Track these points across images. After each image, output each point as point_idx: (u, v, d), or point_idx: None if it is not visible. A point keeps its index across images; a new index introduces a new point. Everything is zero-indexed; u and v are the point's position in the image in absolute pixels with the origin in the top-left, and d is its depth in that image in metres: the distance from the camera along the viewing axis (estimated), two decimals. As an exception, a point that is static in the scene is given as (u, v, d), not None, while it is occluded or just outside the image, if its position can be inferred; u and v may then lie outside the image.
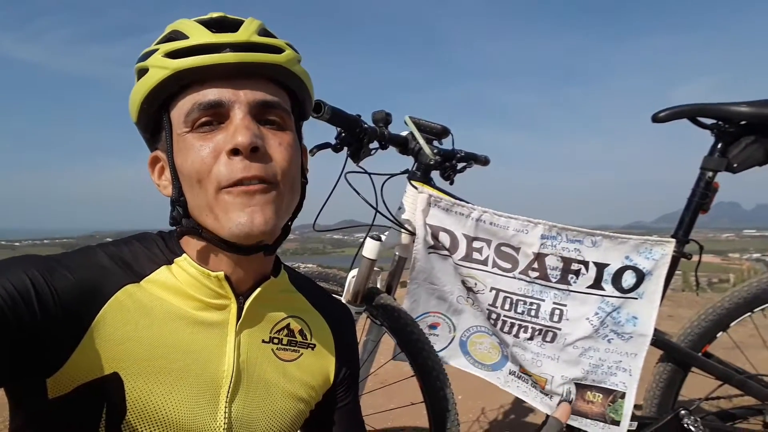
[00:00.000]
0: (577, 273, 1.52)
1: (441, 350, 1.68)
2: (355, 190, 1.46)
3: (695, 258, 1.57)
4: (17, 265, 0.67)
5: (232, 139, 0.69)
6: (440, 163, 1.73)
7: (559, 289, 1.53)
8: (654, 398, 1.57)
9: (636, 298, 1.49)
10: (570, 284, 1.53)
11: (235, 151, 0.69)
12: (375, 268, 1.66)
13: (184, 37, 0.72)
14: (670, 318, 4.60)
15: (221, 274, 0.76)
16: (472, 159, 1.83)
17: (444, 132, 1.61)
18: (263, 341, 0.83)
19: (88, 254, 0.74)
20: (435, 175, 1.76)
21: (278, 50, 0.74)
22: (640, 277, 1.49)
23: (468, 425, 2.72)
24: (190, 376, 0.74)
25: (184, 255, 0.78)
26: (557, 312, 1.54)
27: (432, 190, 1.57)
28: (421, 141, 1.56)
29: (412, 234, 1.58)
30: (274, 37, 0.78)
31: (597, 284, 1.51)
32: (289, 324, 0.86)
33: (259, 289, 0.80)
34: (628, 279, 1.49)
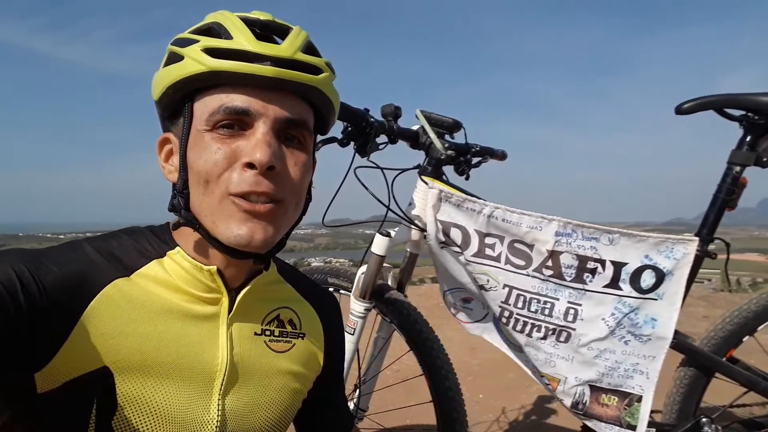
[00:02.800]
0: (593, 272, 1.46)
1: (476, 321, 1.68)
2: (363, 185, 1.45)
3: (723, 256, 1.49)
4: (3, 260, 0.66)
5: (251, 154, 0.69)
6: (454, 158, 1.70)
7: (574, 288, 1.48)
8: (674, 404, 1.50)
9: (655, 299, 1.43)
10: (585, 283, 1.47)
11: (250, 165, 0.69)
12: (386, 265, 1.64)
13: (228, 35, 0.71)
14: (705, 319, 4.43)
15: (214, 268, 0.76)
16: (487, 153, 1.78)
17: (456, 126, 1.57)
18: (255, 333, 0.82)
19: (75, 248, 0.74)
20: (449, 170, 1.73)
21: (317, 71, 0.73)
22: (660, 277, 1.42)
23: (488, 425, 2.68)
24: (182, 369, 0.74)
25: (178, 248, 0.77)
26: (572, 311, 1.49)
27: (442, 185, 1.54)
28: (432, 135, 1.53)
29: (422, 230, 1.55)
30: (317, 53, 0.77)
31: (614, 284, 1.45)
32: (279, 315, 0.87)
33: (250, 285, 0.80)
34: (647, 279, 1.43)
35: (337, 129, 1.40)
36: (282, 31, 0.74)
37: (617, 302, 1.45)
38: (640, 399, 1.46)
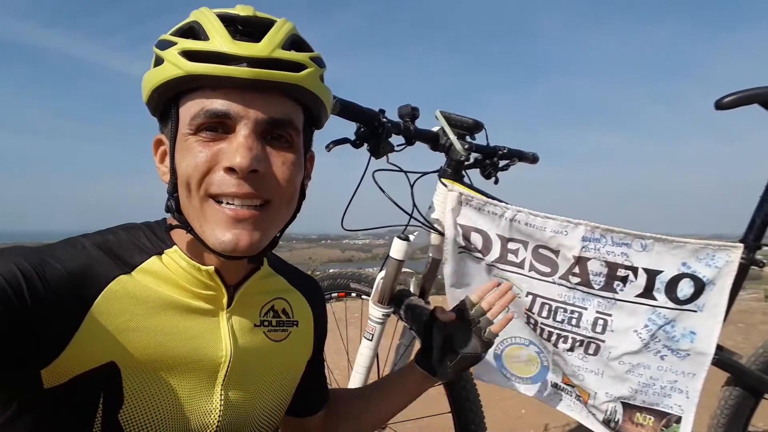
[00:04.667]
0: (624, 280, 1.36)
1: None
2: (380, 188, 1.42)
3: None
4: (7, 257, 0.67)
5: (232, 158, 0.68)
6: (480, 160, 1.65)
7: (603, 297, 1.38)
8: (719, 427, 1.37)
9: (694, 311, 1.31)
10: (616, 292, 1.37)
11: (231, 170, 0.69)
12: (409, 270, 1.60)
13: (205, 35, 0.70)
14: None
15: (212, 268, 0.77)
16: (516, 156, 1.72)
17: (476, 126, 1.52)
18: (255, 325, 0.85)
19: (75, 245, 0.75)
20: (476, 174, 1.67)
21: (299, 67, 0.71)
22: (700, 286, 1.30)
23: (529, 442, 2.57)
24: (187, 362, 0.75)
25: (175, 247, 0.78)
26: (600, 322, 1.39)
27: (463, 188, 1.49)
28: (452, 136, 1.48)
29: (442, 234, 1.51)
30: (302, 46, 0.75)
31: (647, 293, 1.34)
32: (273, 305, 0.89)
33: (248, 282, 0.82)
34: (685, 288, 1.31)
35: (350, 129, 1.39)
36: (264, 26, 0.72)
37: (651, 313, 1.34)
38: (679, 420, 1.34)
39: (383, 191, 1.43)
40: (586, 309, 1.41)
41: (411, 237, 1.51)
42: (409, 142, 1.44)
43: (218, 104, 0.69)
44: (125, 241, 0.78)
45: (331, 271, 1.77)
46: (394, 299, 1.53)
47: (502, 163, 1.70)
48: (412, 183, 1.50)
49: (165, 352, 0.73)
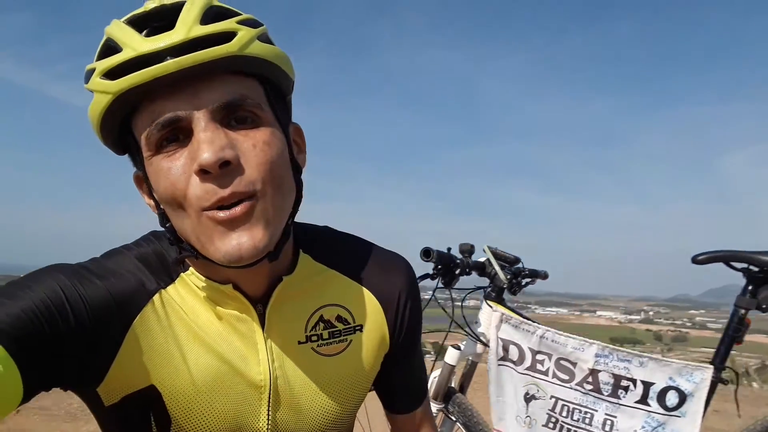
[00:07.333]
0: (626, 389, 1.78)
1: None
2: (443, 309, 1.81)
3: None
4: (49, 275, 0.65)
5: (197, 158, 0.60)
6: (508, 279, 2.07)
7: (610, 401, 1.80)
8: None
9: (679, 417, 1.74)
10: (620, 398, 1.79)
11: (204, 171, 0.60)
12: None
13: (118, 48, 0.61)
14: (716, 413, 4.56)
15: (229, 286, 0.71)
16: (534, 276, 2.15)
17: (515, 261, 1.95)
18: (300, 342, 0.76)
19: (117, 260, 0.72)
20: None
21: (228, 36, 0.61)
22: (683, 397, 1.73)
23: None
24: (226, 385, 0.72)
25: (191, 269, 0.73)
26: (608, 422, 1.80)
27: (504, 309, 1.89)
28: (497, 268, 1.90)
29: (486, 345, 1.90)
30: (226, 15, 0.64)
31: (644, 400, 1.77)
32: (322, 315, 0.78)
33: (274, 296, 0.74)
34: (672, 398, 1.74)
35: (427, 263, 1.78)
36: (176, 10, 0.62)
37: (647, 417, 1.76)
38: None
39: (444, 310, 1.82)
40: (596, 411, 1.81)
41: (461, 346, 1.90)
42: (467, 273, 1.85)
43: (164, 110, 0.61)
44: (163, 253, 0.74)
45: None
46: (444, 396, 1.90)
47: (524, 282, 2.13)
48: (462, 300, 1.90)
49: (203, 374, 0.71)
